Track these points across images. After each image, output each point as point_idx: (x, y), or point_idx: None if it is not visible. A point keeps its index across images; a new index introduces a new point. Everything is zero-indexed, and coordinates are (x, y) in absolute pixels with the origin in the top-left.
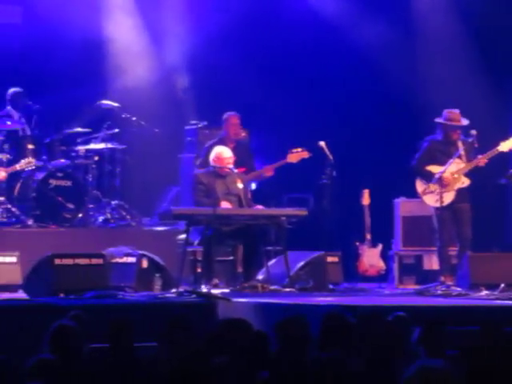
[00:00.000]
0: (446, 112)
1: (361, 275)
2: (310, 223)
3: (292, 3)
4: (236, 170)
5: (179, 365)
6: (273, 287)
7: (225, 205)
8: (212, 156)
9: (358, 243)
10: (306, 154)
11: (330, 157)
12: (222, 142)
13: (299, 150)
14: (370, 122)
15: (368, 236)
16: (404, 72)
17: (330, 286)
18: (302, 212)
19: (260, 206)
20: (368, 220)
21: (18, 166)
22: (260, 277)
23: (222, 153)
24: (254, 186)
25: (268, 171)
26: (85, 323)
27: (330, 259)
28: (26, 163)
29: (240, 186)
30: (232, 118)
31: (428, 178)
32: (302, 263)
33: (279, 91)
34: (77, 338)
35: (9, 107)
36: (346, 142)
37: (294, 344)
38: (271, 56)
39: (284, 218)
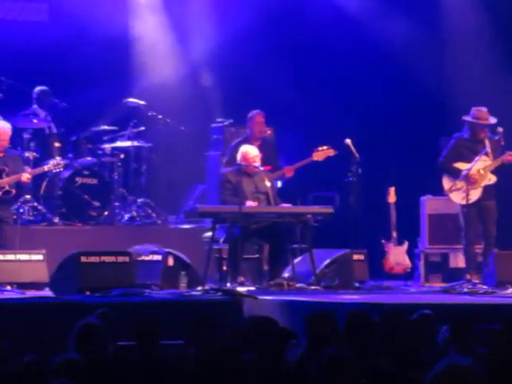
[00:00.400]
0: (473, 110)
1: (387, 273)
2: (335, 221)
3: (317, 0)
4: (262, 168)
5: (205, 362)
6: (298, 285)
7: (250, 204)
8: (239, 155)
9: (384, 241)
10: (331, 152)
11: (356, 154)
12: (247, 140)
13: (325, 147)
14: (396, 120)
15: (394, 234)
16: (430, 69)
17: (356, 284)
18: (327, 210)
19: (287, 205)
20: (394, 218)
21: (45, 168)
22: (286, 275)
23: (249, 151)
24: (279, 184)
25: (288, 172)
26: (111, 321)
27: (355, 257)
28: (55, 165)
29: (268, 184)
30: (257, 116)
31: (455, 175)
32: (327, 261)
33: (305, 89)
34: (102, 336)
35: (35, 105)
36: (372, 140)
37: (323, 341)
38: (297, 53)
39: (310, 216)
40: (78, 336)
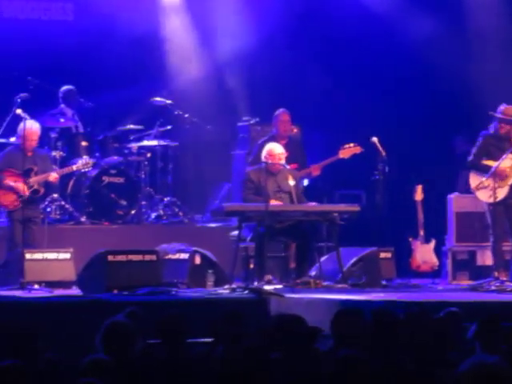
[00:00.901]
0: (501, 107)
1: (414, 271)
2: (362, 219)
3: None
4: (288, 167)
5: (232, 361)
6: (325, 283)
7: (275, 202)
8: (264, 152)
9: (411, 239)
10: (358, 150)
11: (383, 152)
12: (273, 139)
13: (351, 145)
14: (424, 117)
15: (421, 232)
16: (457, 67)
17: (383, 282)
18: (354, 208)
19: (313, 203)
20: (421, 216)
21: (74, 167)
22: (312, 273)
23: (274, 149)
24: (306, 182)
25: (315, 170)
26: (140, 320)
27: (382, 255)
28: (83, 164)
29: (292, 182)
30: (282, 114)
31: (485, 172)
32: (354, 259)
33: (331, 87)
34: (129, 335)
35: (62, 105)
36: (399, 138)
37: (349, 339)
38: (323, 52)
39: (336, 214)
40: (105, 335)
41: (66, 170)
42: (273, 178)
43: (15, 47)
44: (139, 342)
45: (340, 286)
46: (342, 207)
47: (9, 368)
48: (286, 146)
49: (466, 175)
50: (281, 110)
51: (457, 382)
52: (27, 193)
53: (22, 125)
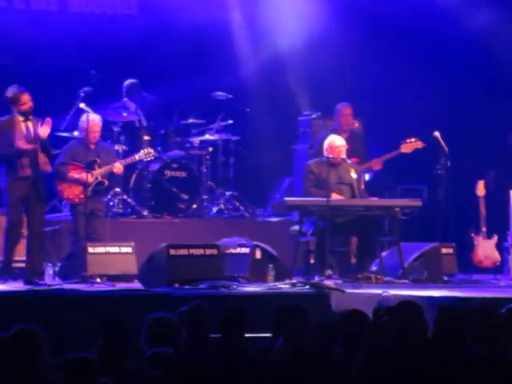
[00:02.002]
0: None
1: (476, 267)
2: (424, 214)
3: None
4: (349, 161)
5: (292, 355)
6: (386, 278)
7: (335, 196)
8: (325, 145)
9: (473, 234)
10: (420, 144)
11: (445, 147)
12: (334, 132)
13: (413, 140)
14: (486, 112)
15: (483, 227)
16: None
17: (445, 278)
18: (416, 203)
19: (374, 198)
20: (483, 211)
21: (137, 157)
22: (374, 268)
23: (334, 141)
24: (367, 176)
25: (376, 164)
26: (205, 313)
27: (444, 250)
28: (146, 154)
29: (354, 175)
30: (344, 108)
31: None
32: (416, 254)
33: (393, 81)
34: (173, 329)
35: (125, 99)
36: (461, 132)
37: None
38: (384, 45)
39: (398, 209)
40: (149, 329)
41: (128, 161)
42: (334, 169)
43: (80, 41)
44: (182, 336)
45: (401, 281)
46: (404, 202)
47: (77, 360)
48: (348, 140)
49: None
50: (343, 103)
51: None
52: (92, 181)
53: (83, 117)
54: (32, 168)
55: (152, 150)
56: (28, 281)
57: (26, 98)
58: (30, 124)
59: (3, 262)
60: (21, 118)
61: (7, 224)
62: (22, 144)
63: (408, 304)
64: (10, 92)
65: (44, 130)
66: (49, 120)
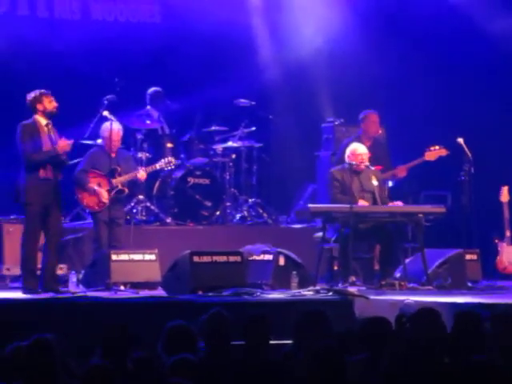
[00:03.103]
0: None
1: (500, 273)
2: (448, 220)
3: None
4: (372, 168)
5: (316, 361)
6: (410, 285)
7: (361, 203)
8: (347, 152)
9: (497, 240)
10: (444, 152)
11: (469, 153)
12: (358, 139)
13: (437, 147)
14: (509, 118)
15: (507, 233)
16: None
17: (469, 284)
18: (439, 209)
19: (399, 202)
20: (507, 217)
21: (157, 166)
22: (397, 274)
23: (357, 149)
24: (390, 183)
25: (401, 171)
26: (225, 321)
27: (468, 257)
28: (166, 163)
29: (375, 183)
30: (371, 115)
31: None
32: (440, 261)
33: (416, 88)
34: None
35: (148, 106)
36: (485, 139)
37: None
38: (408, 52)
39: (421, 216)
40: (167, 337)
41: (149, 169)
42: (356, 177)
43: (103, 49)
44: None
45: (425, 287)
46: (428, 208)
47: (97, 368)
48: (371, 148)
49: None
50: (370, 110)
51: None
52: (107, 200)
53: (105, 125)
54: (53, 172)
55: (173, 159)
56: (50, 289)
57: (50, 98)
58: (51, 127)
59: (28, 272)
60: (43, 122)
61: (27, 230)
62: (47, 147)
63: (427, 311)
64: (33, 93)
65: (64, 144)
66: (71, 142)
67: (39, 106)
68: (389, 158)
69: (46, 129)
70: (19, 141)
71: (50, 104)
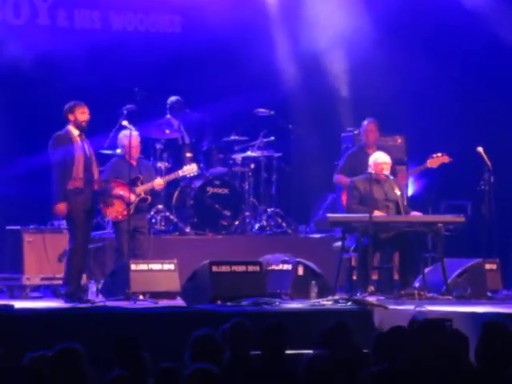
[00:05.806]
0: None
1: None
2: (467, 230)
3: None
4: (392, 177)
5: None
6: (430, 295)
7: (377, 213)
8: (370, 161)
9: None
10: (446, 159)
11: (488, 163)
12: (362, 148)
13: (439, 154)
14: None
15: None
16: None
17: (489, 294)
18: (459, 219)
19: (417, 213)
20: None
21: (180, 172)
22: (417, 284)
23: (378, 158)
24: (410, 192)
25: (402, 178)
26: (247, 330)
27: (488, 266)
28: (189, 170)
29: (398, 192)
30: (368, 124)
31: None
32: (459, 270)
33: (436, 97)
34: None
35: (168, 116)
36: (505, 148)
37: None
38: (427, 61)
39: (441, 225)
40: (193, 347)
41: (172, 176)
42: (379, 186)
43: (123, 59)
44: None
45: (445, 297)
46: (447, 218)
47: (117, 378)
48: None
49: None
50: (368, 119)
51: None
52: (134, 199)
53: (123, 133)
54: (88, 182)
55: (195, 166)
56: (76, 298)
57: (83, 109)
58: (84, 138)
59: (72, 287)
60: (75, 133)
61: (74, 242)
62: (79, 157)
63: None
64: (68, 103)
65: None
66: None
67: (71, 117)
68: (394, 166)
69: (78, 139)
70: (50, 150)
71: (83, 115)
